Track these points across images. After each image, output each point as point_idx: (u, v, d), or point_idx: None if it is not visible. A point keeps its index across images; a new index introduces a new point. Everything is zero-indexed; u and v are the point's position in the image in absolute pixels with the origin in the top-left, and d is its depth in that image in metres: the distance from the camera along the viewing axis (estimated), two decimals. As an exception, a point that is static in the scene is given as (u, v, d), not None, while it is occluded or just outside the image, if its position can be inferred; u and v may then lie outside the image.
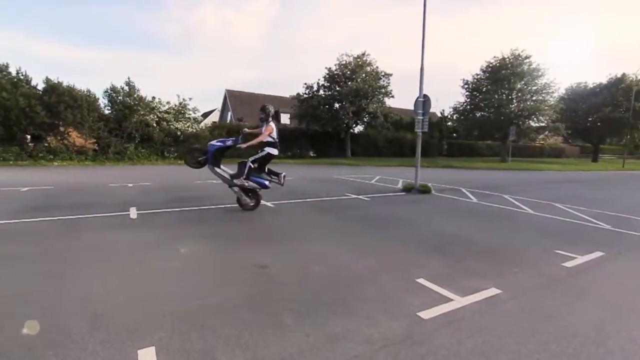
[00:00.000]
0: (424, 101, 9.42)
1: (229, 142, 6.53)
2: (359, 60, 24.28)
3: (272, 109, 6.61)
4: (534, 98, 28.62)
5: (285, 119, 33.54)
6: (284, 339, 2.39)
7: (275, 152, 6.61)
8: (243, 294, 3.08)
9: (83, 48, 66.72)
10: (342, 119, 23.95)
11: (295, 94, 25.82)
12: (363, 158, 25.53)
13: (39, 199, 7.40)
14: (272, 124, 6.53)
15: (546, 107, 28.45)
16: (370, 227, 5.78)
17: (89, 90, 19.89)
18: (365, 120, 26.12)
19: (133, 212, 6.23)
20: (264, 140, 6.41)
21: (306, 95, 25.22)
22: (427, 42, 9.82)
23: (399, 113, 31.73)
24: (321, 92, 25.17)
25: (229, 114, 35.31)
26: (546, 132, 35.43)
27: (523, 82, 28.34)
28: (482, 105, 29.68)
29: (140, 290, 3.13)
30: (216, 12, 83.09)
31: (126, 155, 19.94)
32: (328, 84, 24.83)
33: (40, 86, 19.06)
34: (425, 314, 2.80)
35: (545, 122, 30.01)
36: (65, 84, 19.11)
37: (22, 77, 18.95)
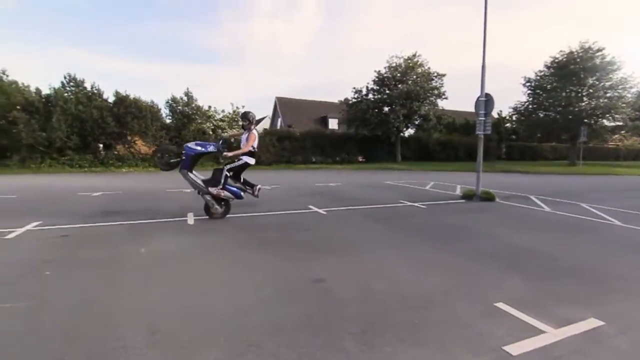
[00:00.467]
0: (486, 101, 8.69)
1: (211, 148, 6.16)
2: (409, 61, 23.56)
3: (255, 116, 6.37)
4: (608, 94, 25.70)
5: (333, 124, 33.55)
6: (349, 370, 2.13)
7: (252, 161, 6.40)
8: (301, 313, 2.87)
9: (147, 63, 72.92)
10: (392, 122, 23.35)
11: (343, 98, 25.70)
12: (414, 162, 24.64)
13: (108, 204, 7.92)
14: (255, 132, 6.31)
15: (623, 104, 25.38)
16: (431, 239, 5.33)
17: (152, 101, 21.47)
18: (417, 123, 25.22)
19: (190, 218, 6.37)
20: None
21: (355, 100, 24.96)
22: (480, 39, 9.04)
23: (452, 115, 30.25)
24: (370, 95, 24.77)
25: (279, 120, 36.11)
26: (623, 132, 31.67)
27: (595, 78, 25.56)
28: (547, 104, 27.22)
29: (195, 302, 3.05)
30: (267, 24, 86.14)
31: (184, 162, 21.12)
32: (377, 87, 24.37)
33: (111, 99, 20.87)
34: (513, 349, 2.37)
35: (622, 120, 26.77)
36: (132, 96, 20.78)
37: (95, 91, 20.84)
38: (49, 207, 7.63)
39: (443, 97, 24.26)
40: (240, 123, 6.61)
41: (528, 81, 28.27)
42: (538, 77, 27.85)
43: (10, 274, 3.64)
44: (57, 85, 20.30)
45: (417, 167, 21.86)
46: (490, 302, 3.10)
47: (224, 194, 6.20)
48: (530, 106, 28.45)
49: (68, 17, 68.66)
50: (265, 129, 27.64)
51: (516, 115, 30.24)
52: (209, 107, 22.96)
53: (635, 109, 26.38)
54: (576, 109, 25.43)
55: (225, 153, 6.14)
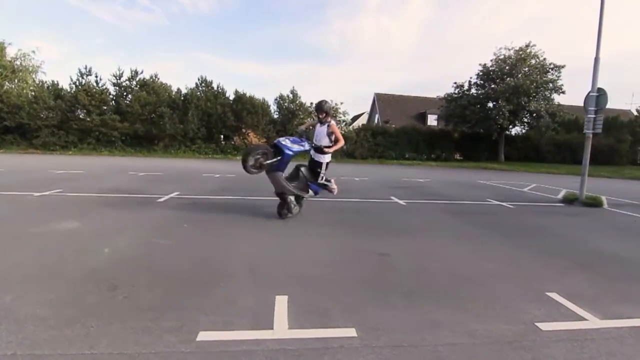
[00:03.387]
0: (598, 96, 7.84)
1: (306, 146, 5.44)
2: (521, 53, 21.38)
3: (331, 106, 5.66)
4: None
5: (432, 120, 32.49)
6: (391, 316, 2.67)
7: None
8: (362, 273, 3.52)
9: (263, 63, 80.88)
10: (495, 119, 21.63)
11: (444, 94, 24.77)
12: (520, 163, 22.41)
13: (224, 183, 9.76)
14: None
15: None
16: (505, 235, 5.34)
17: (264, 99, 24.46)
18: (525, 120, 22.81)
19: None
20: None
21: (455, 95, 23.84)
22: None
23: (573, 112, 26.28)
24: (473, 90, 23.33)
25: (377, 116, 36.48)
26: None
27: None
28: None
29: (283, 255, 3.98)
30: (373, 20, 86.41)
31: (286, 153, 23.59)
32: (481, 82, 22.84)
33: (232, 97, 24.37)
34: (544, 326, 2.58)
35: None
36: (248, 94, 23.95)
37: (220, 90, 24.56)
38: (184, 182, 9.79)
39: (560, 91, 21.32)
40: (316, 115, 5.71)
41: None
42: None
43: (162, 224, 5.17)
44: (192, 85, 24.60)
45: (522, 168, 19.92)
46: (542, 291, 3.24)
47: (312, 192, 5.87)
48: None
49: (201, 26, 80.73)
50: (363, 125, 28.40)
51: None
52: (311, 103, 24.82)
53: None
54: None
55: (326, 149, 5.47)
